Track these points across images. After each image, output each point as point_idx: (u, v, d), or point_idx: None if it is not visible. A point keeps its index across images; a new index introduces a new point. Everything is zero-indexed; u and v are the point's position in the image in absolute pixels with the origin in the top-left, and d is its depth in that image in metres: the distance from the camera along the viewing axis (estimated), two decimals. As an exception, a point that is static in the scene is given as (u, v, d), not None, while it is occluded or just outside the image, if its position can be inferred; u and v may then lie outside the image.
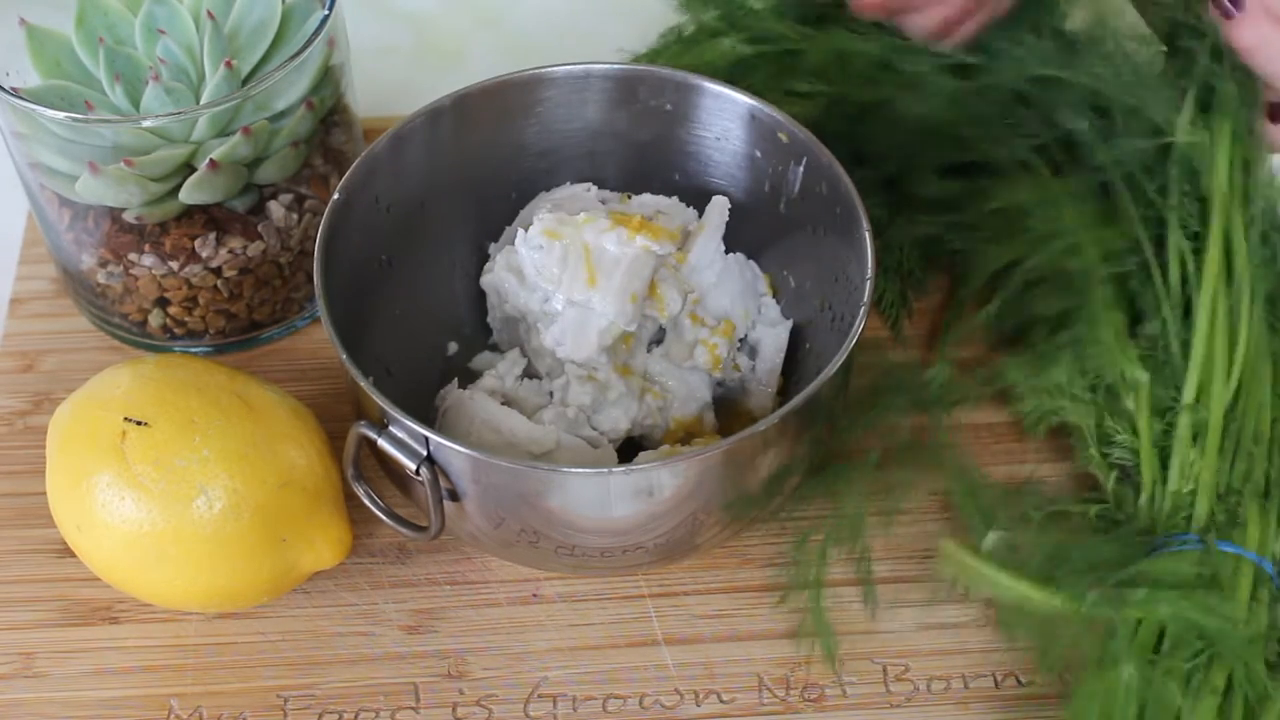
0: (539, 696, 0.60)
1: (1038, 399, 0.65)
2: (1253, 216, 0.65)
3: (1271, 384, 0.63)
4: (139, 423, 0.57)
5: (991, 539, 0.60)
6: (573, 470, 0.56)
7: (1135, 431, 0.63)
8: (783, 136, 0.63)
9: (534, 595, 0.63)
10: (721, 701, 0.60)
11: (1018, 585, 0.58)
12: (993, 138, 0.69)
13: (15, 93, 0.62)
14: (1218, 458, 0.61)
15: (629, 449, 0.64)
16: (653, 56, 0.78)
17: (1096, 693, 0.55)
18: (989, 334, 0.69)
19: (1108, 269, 0.64)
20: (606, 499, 0.55)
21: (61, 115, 0.61)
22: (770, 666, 0.61)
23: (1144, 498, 0.62)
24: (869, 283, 0.58)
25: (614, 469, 0.56)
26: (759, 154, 0.65)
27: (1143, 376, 0.63)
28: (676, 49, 0.77)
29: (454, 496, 0.56)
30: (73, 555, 0.61)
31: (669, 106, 0.66)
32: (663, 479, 0.55)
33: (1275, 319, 0.64)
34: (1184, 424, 0.62)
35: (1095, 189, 0.67)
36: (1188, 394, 0.63)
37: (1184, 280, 0.65)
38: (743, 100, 0.64)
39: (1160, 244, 0.67)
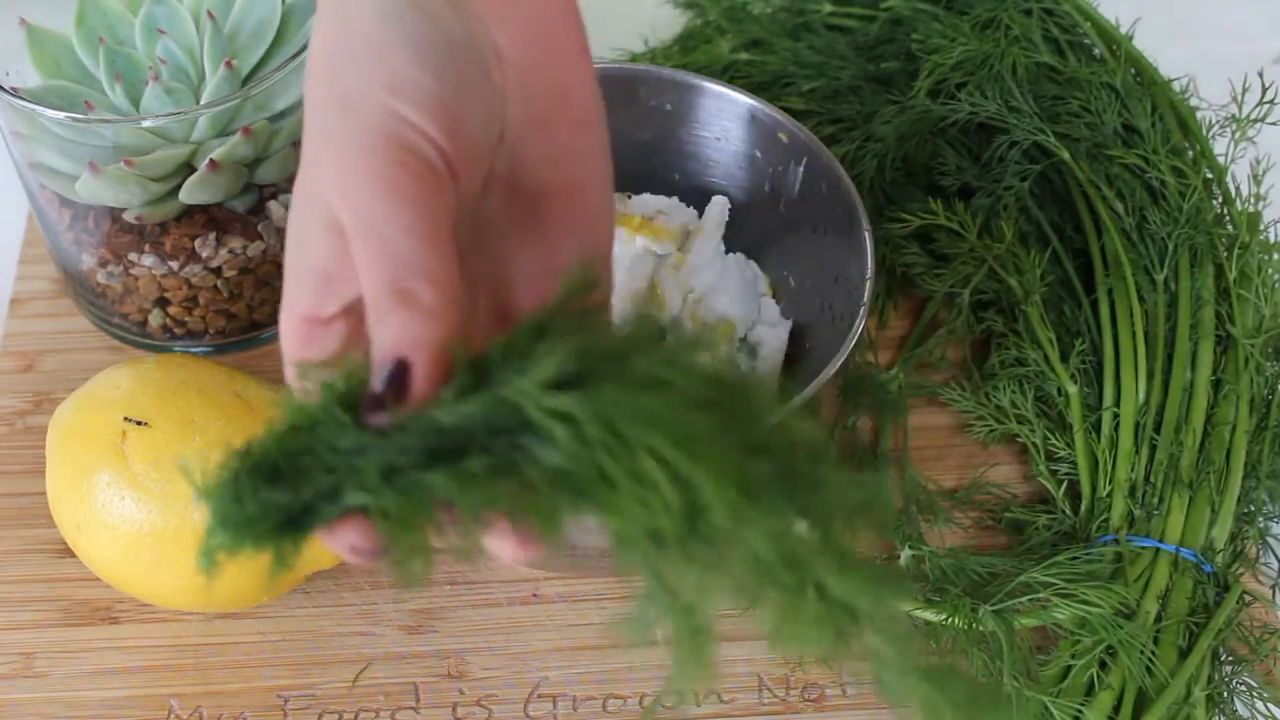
0: (539, 696, 0.60)
1: (986, 423, 0.65)
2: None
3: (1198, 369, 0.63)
4: (139, 423, 0.57)
5: (905, 557, 0.61)
6: (573, 470, 0.56)
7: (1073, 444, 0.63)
8: (783, 136, 0.63)
9: (534, 595, 0.63)
10: (721, 701, 0.60)
11: (915, 606, 0.58)
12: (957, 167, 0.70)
13: (15, 93, 0.62)
14: (1132, 454, 0.61)
15: (629, 449, 0.63)
16: (652, 56, 0.78)
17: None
18: (968, 335, 0.69)
19: (1039, 288, 0.65)
20: (606, 499, 0.55)
21: (61, 115, 0.61)
22: (770, 666, 0.61)
23: (1084, 506, 0.62)
24: (869, 283, 0.58)
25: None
26: (759, 154, 0.65)
27: (1071, 388, 0.63)
28: (676, 49, 0.77)
29: (454, 496, 0.56)
30: (73, 555, 0.61)
31: (669, 106, 0.66)
32: (663, 479, 0.55)
33: (1201, 301, 0.64)
34: (1106, 427, 0.62)
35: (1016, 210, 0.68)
36: (1107, 397, 0.63)
37: (1089, 285, 0.66)
38: (743, 100, 0.64)
39: (1080, 255, 0.68)
